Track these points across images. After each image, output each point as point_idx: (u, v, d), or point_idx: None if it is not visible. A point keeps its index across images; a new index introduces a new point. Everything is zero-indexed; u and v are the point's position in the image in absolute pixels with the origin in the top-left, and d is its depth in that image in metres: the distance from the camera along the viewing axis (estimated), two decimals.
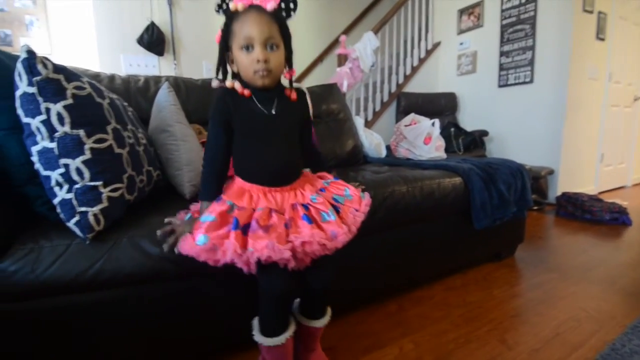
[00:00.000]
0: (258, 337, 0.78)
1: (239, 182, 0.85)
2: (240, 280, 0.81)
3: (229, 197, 0.80)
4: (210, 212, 0.75)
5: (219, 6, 0.81)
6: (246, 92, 0.80)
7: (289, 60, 0.85)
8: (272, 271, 0.73)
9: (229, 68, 0.84)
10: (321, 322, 0.86)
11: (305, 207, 0.82)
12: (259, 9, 0.78)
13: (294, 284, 0.76)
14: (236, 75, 0.84)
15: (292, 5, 0.82)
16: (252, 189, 0.82)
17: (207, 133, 0.84)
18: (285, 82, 0.90)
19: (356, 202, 0.88)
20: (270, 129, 0.83)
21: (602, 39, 2.89)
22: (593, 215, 2.34)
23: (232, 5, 0.78)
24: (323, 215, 0.81)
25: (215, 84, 0.83)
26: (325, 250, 0.77)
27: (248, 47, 0.77)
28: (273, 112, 0.83)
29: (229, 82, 0.81)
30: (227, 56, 0.82)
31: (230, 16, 0.79)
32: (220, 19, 0.82)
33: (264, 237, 0.72)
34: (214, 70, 0.86)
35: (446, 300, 1.32)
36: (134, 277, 0.80)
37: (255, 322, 0.81)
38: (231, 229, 0.72)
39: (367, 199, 0.90)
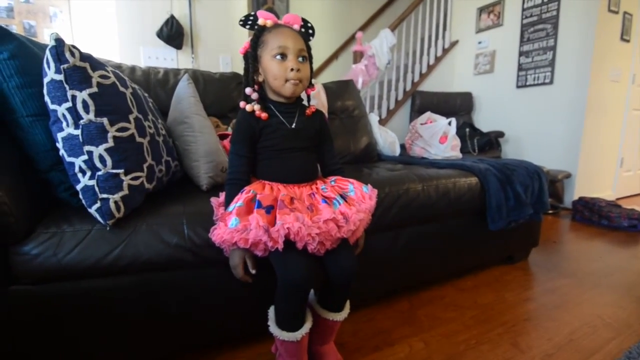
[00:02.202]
0: (273, 328, 0.79)
1: (258, 180, 0.88)
2: (258, 271, 0.82)
3: (249, 187, 0.83)
4: (238, 200, 0.78)
5: (245, 21, 0.85)
6: (263, 115, 0.84)
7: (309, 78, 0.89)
8: (289, 259, 0.74)
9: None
10: (341, 316, 0.87)
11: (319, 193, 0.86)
12: (287, 25, 0.84)
13: (311, 273, 0.76)
14: (259, 86, 0.88)
15: (310, 31, 0.90)
16: (273, 184, 0.85)
17: (230, 151, 0.87)
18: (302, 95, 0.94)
19: (359, 196, 0.88)
20: (291, 140, 0.87)
21: (627, 40, 2.80)
22: (610, 221, 2.28)
23: (261, 21, 0.83)
24: (334, 202, 0.83)
25: (242, 104, 0.86)
26: (340, 231, 0.78)
27: (282, 56, 0.80)
28: (294, 126, 0.87)
29: (249, 106, 0.84)
30: (254, 67, 0.85)
31: (261, 29, 0.83)
32: (238, 16, 0.84)
33: (291, 213, 0.75)
34: (230, 67, 0.88)
35: (457, 301, 1.31)
36: (152, 264, 0.81)
37: (272, 312, 0.81)
38: (254, 208, 0.76)
39: (370, 190, 0.90)
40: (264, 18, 0.83)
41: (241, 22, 0.86)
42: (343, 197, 0.86)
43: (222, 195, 0.87)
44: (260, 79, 0.86)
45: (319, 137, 0.94)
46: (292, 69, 0.80)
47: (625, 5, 2.70)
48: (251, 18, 0.85)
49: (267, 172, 0.87)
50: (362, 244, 0.94)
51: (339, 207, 0.81)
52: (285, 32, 0.81)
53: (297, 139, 0.88)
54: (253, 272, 0.77)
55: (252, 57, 0.85)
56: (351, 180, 0.92)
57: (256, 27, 0.84)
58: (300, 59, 0.82)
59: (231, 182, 0.84)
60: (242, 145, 0.85)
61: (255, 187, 0.82)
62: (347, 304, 0.89)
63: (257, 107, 0.84)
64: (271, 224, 0.74)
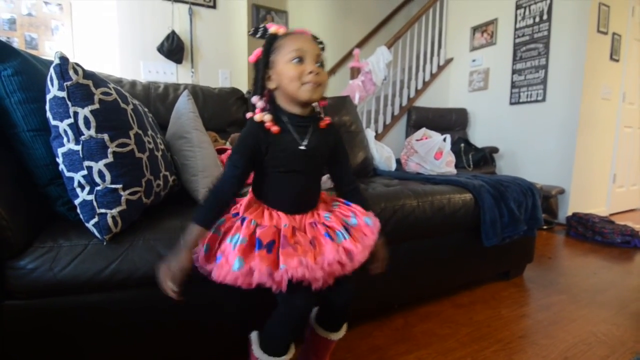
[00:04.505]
0: (258, 352, 0.77)
1: (257, 201, 0.83)
2: (253, 290, 0.81)
3: (249, 213, 0.78)
4: (239, 233, 0.72)
5: (256, 31, 0.81)
6: (274, 128, 0.77)
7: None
8: (295, 291, 0.71)
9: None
10: (337, 336, 0.86)
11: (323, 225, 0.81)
12: (302, 32, 0.80)
13: (313, 301, 0.75)
14: (268, 96, 0.81)
15: (321, 46, 0.83)
16: (273, 211, 0.80)
17: (229, 157, 0.80)
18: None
19: (362, 227, 0.84)
20: (300, 162, 0.81)
21: (617, 60, 2.88)
22: (604, 237, 2.30)
23: (272, 30, 0.79)
24: (337, 234, 0.79)
25: (250, 115, 0.80)
26: (344, 270, 0.75)
27: (299, 59, 0.75)
28: (305, 145, 0.80)
29: (258, 116, 0.77)
30: (265, 73, 0.79)
31: (273, 36, 0.78)
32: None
33: (294, 254, 0.70)
34: (229, 81, 0.86)
35: (453, 318, 1.31)
36: (147, 279, 0.80)
37: (254, 336, 0.80)
38: (255, 249, 0.70)
39: (375, 224, 0.85)
40: (276, 28, 0.79)
41: (251, 32, 0.83)
42: (346, 227, 0.82)
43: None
44: (272, 86, 0.79)
45: (333, 155, 0.88)
46: (310, 72, 0.74)
47: (614, 26, 2.79)
48: (261, 28, 0.81)
49: (269, 196, 0.82)
50: (383, 256, 0.88)
51: (343, 242, 0.77)
52: (302, 37, 0.78)
53: (307, 161, 0.81)
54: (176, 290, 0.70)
55: (263, 63, 0.78)
56: (354, 207, 0.88)
57: (267, 35, 0.79)
58: (318, 64, 0.77)
59: (217, 192, 0.76)
60: (242, 157, 0.77)
61: (255, 215, 0.77)
62: (345, 324, 0.89)
63: (267, 117, 0.77)
64: (273, 263, 0.69)
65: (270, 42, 0.78)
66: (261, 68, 0.79)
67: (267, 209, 0.80)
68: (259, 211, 0.79)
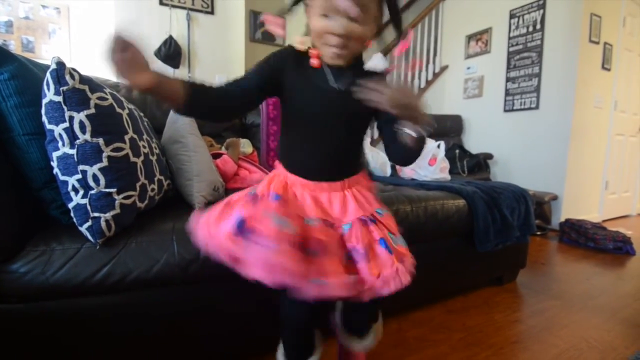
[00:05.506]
0: (280, 357, 0.77)
1: (282, 173, 0.69)
2: (249, 289, 0.79)
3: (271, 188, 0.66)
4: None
5: None
6: (315, 62, 0.69)
7: None
8: (294, 299, 0.62)
9: None
10: (364, 343, 0.76)
11: (373, 220, 0.67)
12: None
13: (315, 314, 0.70)
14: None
15: None
16: (295, 184, 0.66)
17: None
18: None
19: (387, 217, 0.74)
20: (332, 107, 0.68)
21: (608, 69, 2.93)
22: (596, 243, 2.32)
23: None
24: (392, 237, 0.66)
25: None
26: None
27: (325, 15, 0.66)
28: (336, 86, 0.67)
29: (298, 41, 0.70)
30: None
31: None
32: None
33: (338, 267, 0.59)
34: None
35: (446, 323, 1.31)
36: (140, 282, 0.81)
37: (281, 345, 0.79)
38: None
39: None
40: None
41: None
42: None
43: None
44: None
45: (382, 112, 0.69)
46: (330, 32, 0.65)
47: (605, 36, 2.84)
48: None
49: (289, 155, 0.70)
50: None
51: (399, 251, 0.65)
52: None
53: (340, 107, 0.71)
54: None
55: None
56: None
57: None
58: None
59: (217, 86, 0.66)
60: (256, 70, 0.68)
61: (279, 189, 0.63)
62: (376, 329, 0.80)
63: (312, 49, 0.72)
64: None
65: None
66: None
67: (291, 187, 0.66)
68: (283, 189, 0.66)
